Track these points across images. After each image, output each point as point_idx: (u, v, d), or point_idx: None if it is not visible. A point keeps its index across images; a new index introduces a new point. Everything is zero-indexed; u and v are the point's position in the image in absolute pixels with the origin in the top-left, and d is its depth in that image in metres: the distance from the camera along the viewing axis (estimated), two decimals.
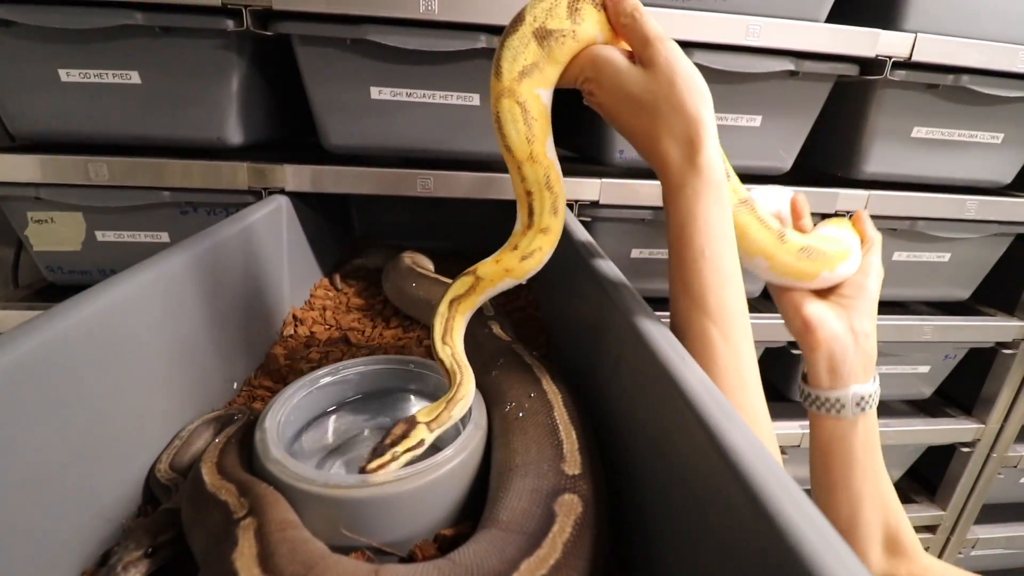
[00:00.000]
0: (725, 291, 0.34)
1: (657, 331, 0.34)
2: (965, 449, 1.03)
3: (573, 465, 0.32)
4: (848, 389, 0.41)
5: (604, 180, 0.72)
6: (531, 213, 0.38)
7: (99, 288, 0.35)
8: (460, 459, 0.33)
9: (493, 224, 1.01)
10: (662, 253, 0.81)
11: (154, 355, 0.38)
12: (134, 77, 0.65)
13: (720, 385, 0.33)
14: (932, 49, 0.71)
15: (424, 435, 0.33)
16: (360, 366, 0.42)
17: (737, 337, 0.34)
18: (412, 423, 0.33)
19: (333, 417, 0.41)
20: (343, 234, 0.93)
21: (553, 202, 0.38)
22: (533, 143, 0.36)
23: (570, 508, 0.29)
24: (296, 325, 0.63)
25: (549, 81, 0.37)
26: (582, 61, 0.37)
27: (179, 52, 0.64)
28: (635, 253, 0.81)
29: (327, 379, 0.40)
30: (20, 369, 0.27)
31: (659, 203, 0.74)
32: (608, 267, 0.47)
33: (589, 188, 0.72)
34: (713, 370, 0.33)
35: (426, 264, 0.75)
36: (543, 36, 0.35)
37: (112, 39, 0.63)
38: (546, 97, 0.38)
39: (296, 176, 0.67)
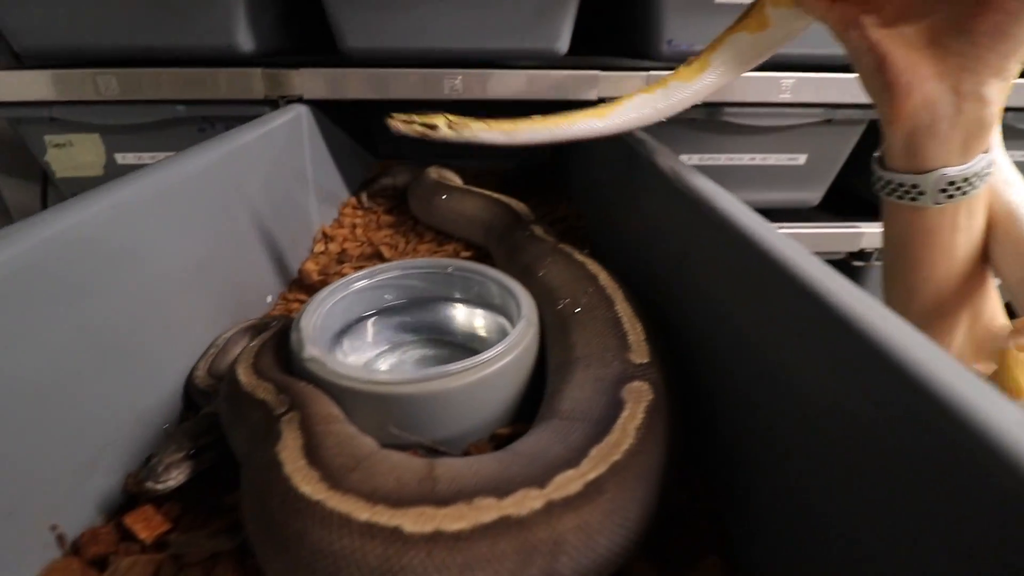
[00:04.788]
0: None
1: (740, 211, 0.29)
2: None
3: (640, 354, 0.28)
4: (932, 172, 0.29)
5: (651, 74, 0.64)
6: None
7: (115, 184, 0.32)
8: (514, 355, 0.30)
9: None
10: (712, 160, 0.74)
11: (181, 260, 0.36)
12: None
13: None
14: None
15: (441, 124, 0.36)
16: (396, 270, 0.38)
17: None
18: (436, 114, 0.37)
19: (371, 322, 0.39)
20: (366, 156, 0.88)
21: None
22: None
23: (640, 394, 0.25)
24: (327, 242, 0.60)
25: None
26: None
27: None
28: (682, 159, 0.74)
29: (362, 283, 0.37)
30: (44, 259, 0.25)
31: (715, 101, 0.67)
32: (666, 161, 0.41)
33: (634, 84, 0.65)
34: None
35: (454, 178, 0.71)
36: None
37: None
38: None
39: (313, 81, 0.62)
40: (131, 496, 0.29)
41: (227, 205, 0.43)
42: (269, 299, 0.48)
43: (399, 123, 0.37)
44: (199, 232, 0.39)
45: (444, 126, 0.36)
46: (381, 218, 0.68)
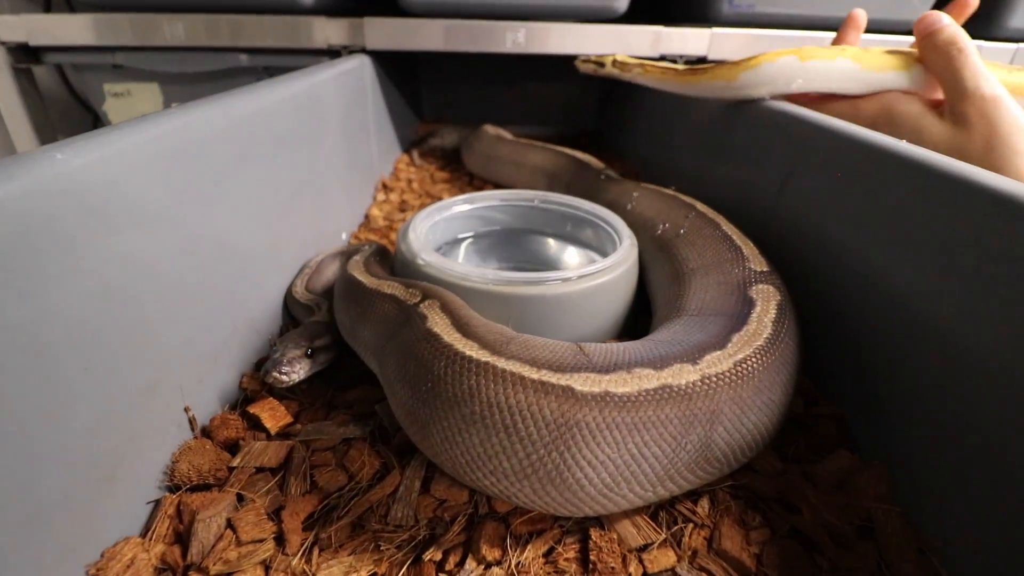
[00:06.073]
0: None
1: (846, 127, 0.30)
2: None
3: (759, 264, 0.28)
4: None
5: (715, 31, 0.64)
6: None
7: (228, 96, 0.32)
8: (624, 268, 0.30)
9: (578, 101, 0.94)
10: None
11: (279, 182, 0.36)
12: None
13: None
14: None
15: (608, 61, 0.48)
16: (496, 200, 0.39)
17: None
18: (607, 55, 0.50)
19: (464, 245, 0.39)
20: (413, 116, 0.89)
21: None
22: None
23: (768, 294, 0.26)
24: (387, 192, 0.61)
25: None
26: (873, 108, 0.33)
27: None
28: None
29: (463, 207, 0.37)
30: (170, 149, 0.25)
31: None
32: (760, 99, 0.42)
33: (696, 41, 0.65)
34: None
35: (508, 135, 0.71)
36: None
37: None
38: None
39: (377, 31, 0.62)
40: (247, 395, 0.30)
41: (312, 135, 0.43)
42: (344, 236, 0.48)
43: (580, 63, 0.51)
44: (292, 157, 0.39)
45: (610, 63, 0.49)
46: (435, 174, 0.68)
